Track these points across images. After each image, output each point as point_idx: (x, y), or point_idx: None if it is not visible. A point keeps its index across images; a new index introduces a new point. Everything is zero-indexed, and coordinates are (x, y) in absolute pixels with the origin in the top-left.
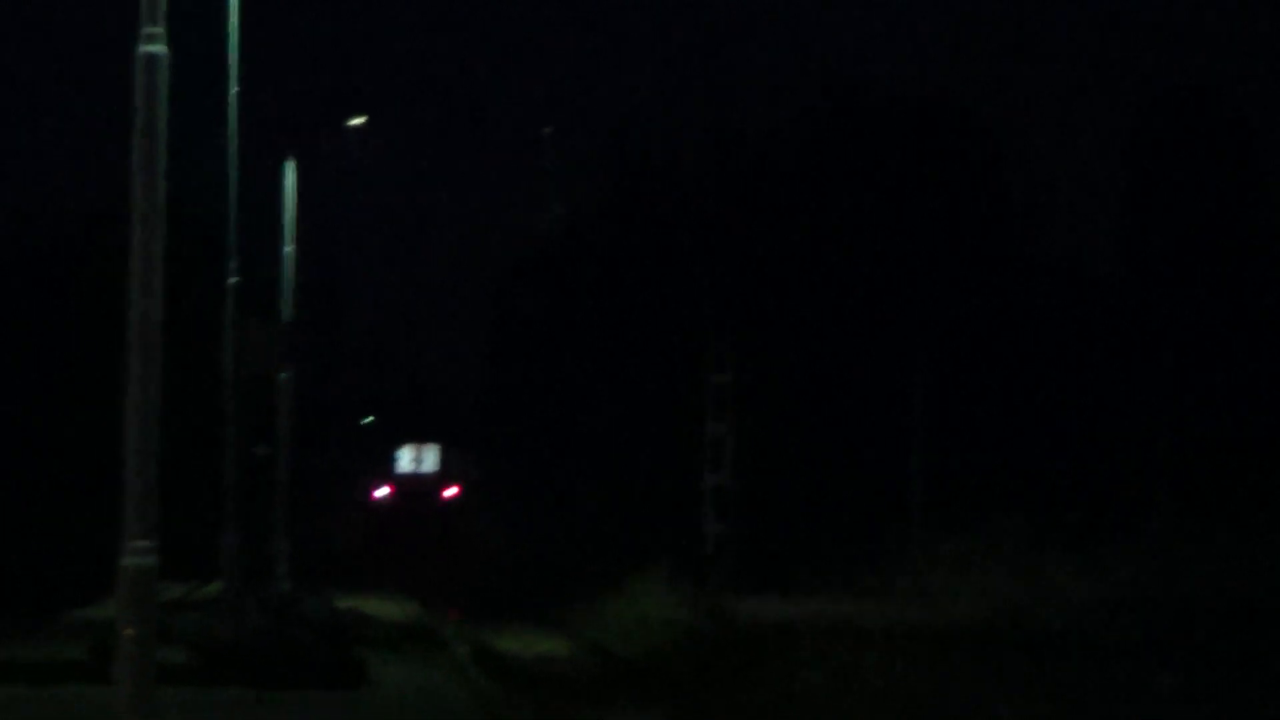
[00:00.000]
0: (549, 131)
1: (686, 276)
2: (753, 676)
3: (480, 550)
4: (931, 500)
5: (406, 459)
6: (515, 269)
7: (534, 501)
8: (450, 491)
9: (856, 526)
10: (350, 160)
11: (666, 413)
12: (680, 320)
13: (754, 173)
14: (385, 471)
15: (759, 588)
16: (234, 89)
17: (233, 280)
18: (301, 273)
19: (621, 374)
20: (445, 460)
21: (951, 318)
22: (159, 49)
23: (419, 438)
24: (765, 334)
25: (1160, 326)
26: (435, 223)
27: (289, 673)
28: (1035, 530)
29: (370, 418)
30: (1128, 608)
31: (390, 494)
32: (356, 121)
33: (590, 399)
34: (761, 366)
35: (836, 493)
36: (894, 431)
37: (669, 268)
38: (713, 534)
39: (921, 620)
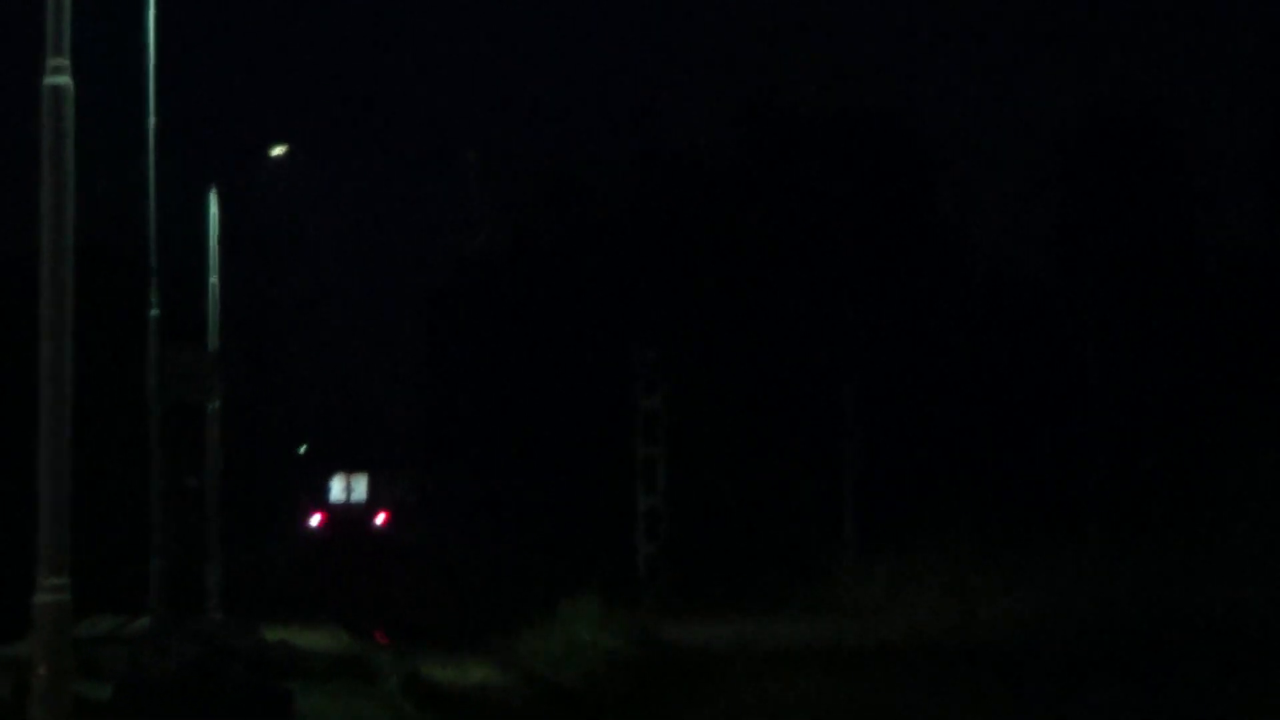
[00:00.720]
0: (473, 155)
1: (617, 299)
2: (685, 700)
3: (412, 575)
4: (865, 519)
5: (338, 488)
6: (446, 290)
7: (468, 524)
8: (380, 518)
9: (791, 547)
10: (276, 188)
11: (598, 435)
12: (611, 343)
13: (683, 192)
14: (319, 500)
15: (692, 609)
16: (151, 119)
17: (154, 313)
18: (229, 302)
19: (553, 396)
20: (374, 487)
21: (883, 332)
22: (64, 80)
23: (354, 463)
24: (695, 355)
25: (1091, 335)
26: (367, 246)
27: (214, 706)
28: (969, 547)
29: (304, 446)
30: (1059, 621)
31: (322, 522)
32: (279, 151)
33: (523, 420)
34: (693, 388)
35: (770, 513)
36: (827, 450)
37: (600, 289)
38: (645, 555)
39: (854, 639)
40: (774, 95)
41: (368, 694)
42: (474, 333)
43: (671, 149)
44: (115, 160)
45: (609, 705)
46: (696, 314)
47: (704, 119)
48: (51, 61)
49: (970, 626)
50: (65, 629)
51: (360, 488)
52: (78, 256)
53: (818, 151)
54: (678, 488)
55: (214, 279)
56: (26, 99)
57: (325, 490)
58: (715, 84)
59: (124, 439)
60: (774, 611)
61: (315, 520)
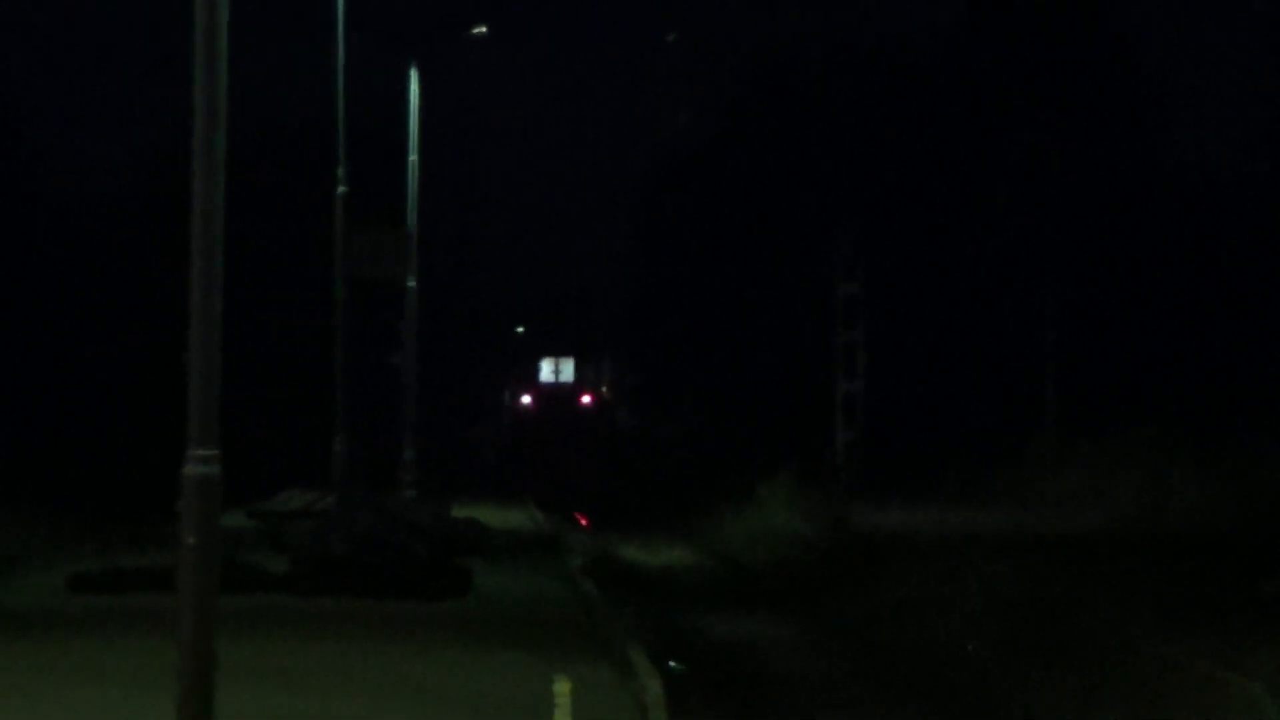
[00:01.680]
0: (673, 38)
1: (817, 186)
2: (873, 584)
3: (614, 454)
4: (1065, 408)
5: (547, 370)
6: (655, 177)
7: (669, 409)
8: (586, 399)
9: (988, 435)
10: (477, 67)
11: (799, 320)
12: (812, 228)
13: (884, 80)
14: (529, 380)
15: (888, 495)
16: None
17: (341, 189)
18: (431, 182)
19: (755, 282)
20: (581, 369)
21: (1084, 221)
22: None
23: (561, 347)
24: (895, 241)
25: None
26: (573, 131)
27: (391, 582)
28: (1168, 436)
29: (521, 328)
30: (1256, 511)
31: (533, 401)
32: (479, 31)
33: (725, 306)
34: (892, 273)
35: (968, 401)
36: (1027, 338)
37: (801, 176)
38: (842, 441)
39: (1049, 527)
40: None
41: (552, 572)
42: (681, 219)
43: (874, 32)
44: (313, 39)
45: (794, 586)
46: (897, 200)
47: (911, 4)
48: None
49: (1165, 517)
50: (214, 501)
51: (568, 370)
52: (267, 133)
53: (1025, 42)
54: (876, 374)
55: (413, 157)
56: None
57: (535, 371)
58: None
59: (323, 319)
60: (969, 499)
61: (526, 399)
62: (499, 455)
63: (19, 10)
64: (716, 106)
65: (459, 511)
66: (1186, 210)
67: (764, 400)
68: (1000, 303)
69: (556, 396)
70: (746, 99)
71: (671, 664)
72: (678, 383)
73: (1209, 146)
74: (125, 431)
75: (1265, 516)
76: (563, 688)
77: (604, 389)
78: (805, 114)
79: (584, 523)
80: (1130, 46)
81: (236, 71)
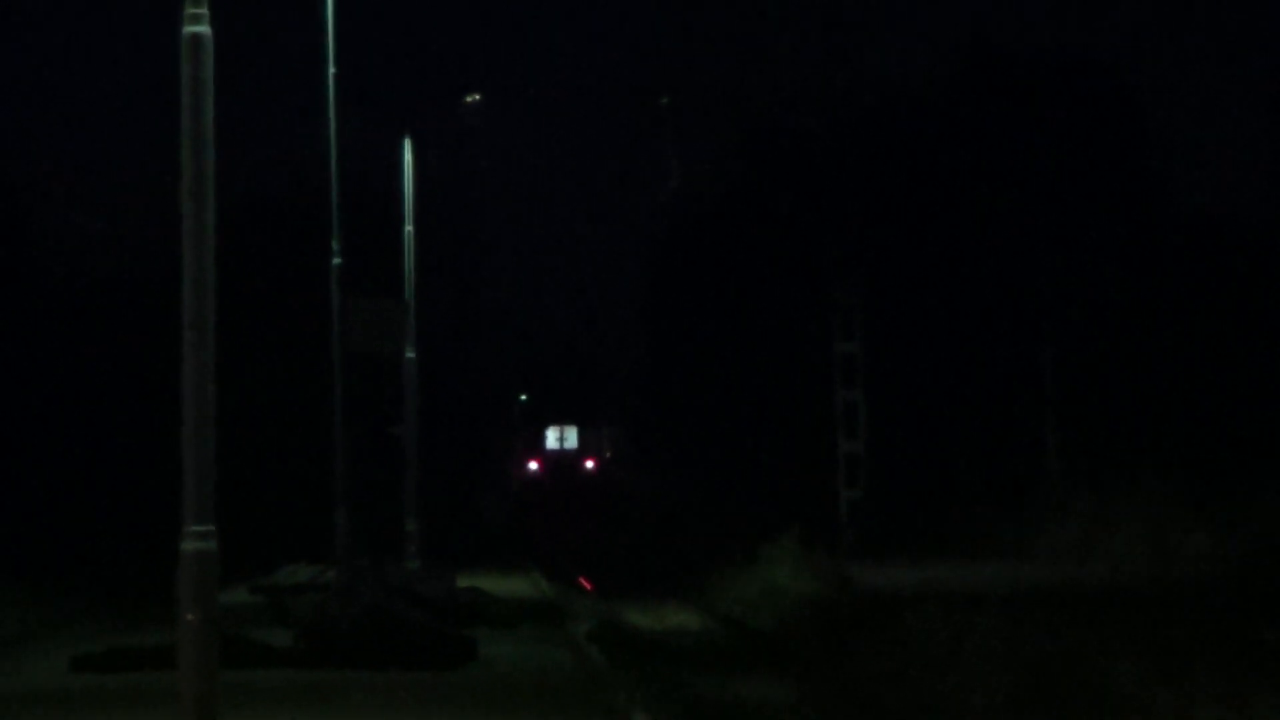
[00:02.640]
0: (665, 101)
1: (815, 244)
2: (880, 645)
3: (619, 517)
4: (1066, 459)
5: (552, 437)
6: (654, 241)
7: (673, 471)
8: (590, 464)
9: (990, 489)
10: (469, 135)
11: (799, 380)
12: (809, 288)
13: (882, 133)
14: (535, 447)
15: (892, 554)
16: (331, 69)
17: (336, 261)
18: (430, 252)
19: (757, 344)
20: (584, 436)
21: (1085, 277)
22: (203, 29)
23: (565, 414)
24: (894, 300)
25: None
26: (563, 196)
27: (396, 653)
28: (1169, 491)
29: (524, 397)
30: (1258, 563)
31: (539, 467)
32: (472, 99)
33: (727, 369)
34: (891, 332)
35: (969, 456)
36: (1026, 391)
37: (799, 234)
38: (846, 500)
39: (1053, 579)
40: (979, 35)
41: (557, 640)
42: (682, 281)
43: (875, 90)
44: (308, 110)
45: (801, 649)
46: (895, 259)
47: (907, 58)
48: (190, 10)
49: (1168, 566)
50: (211, 575)
51: (572, 437)
52: (262, 211)
53: (1025, 95)
54: (877, 431)
55: (409, 228)
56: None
57: (541, 438)
58: (922, 22)
59: (321, 391)
60: (973, 554)
61: (533, 465)
62: (507, 521)
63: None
64: (713, 167)
65: (463, 581)
66: (1187, 257)
67: (767, 460)
68: (999, 355)
69: (562, 463)
70: (742, 158)
71: None
72: (681, 445)
73: (1210, 193)
74: (125, 509)
75: (1269, 564)
76: None
77: (607, 453)
78: (801, 171)
79: (588, 586)
80: (1129, 94)
81: (229, 143)
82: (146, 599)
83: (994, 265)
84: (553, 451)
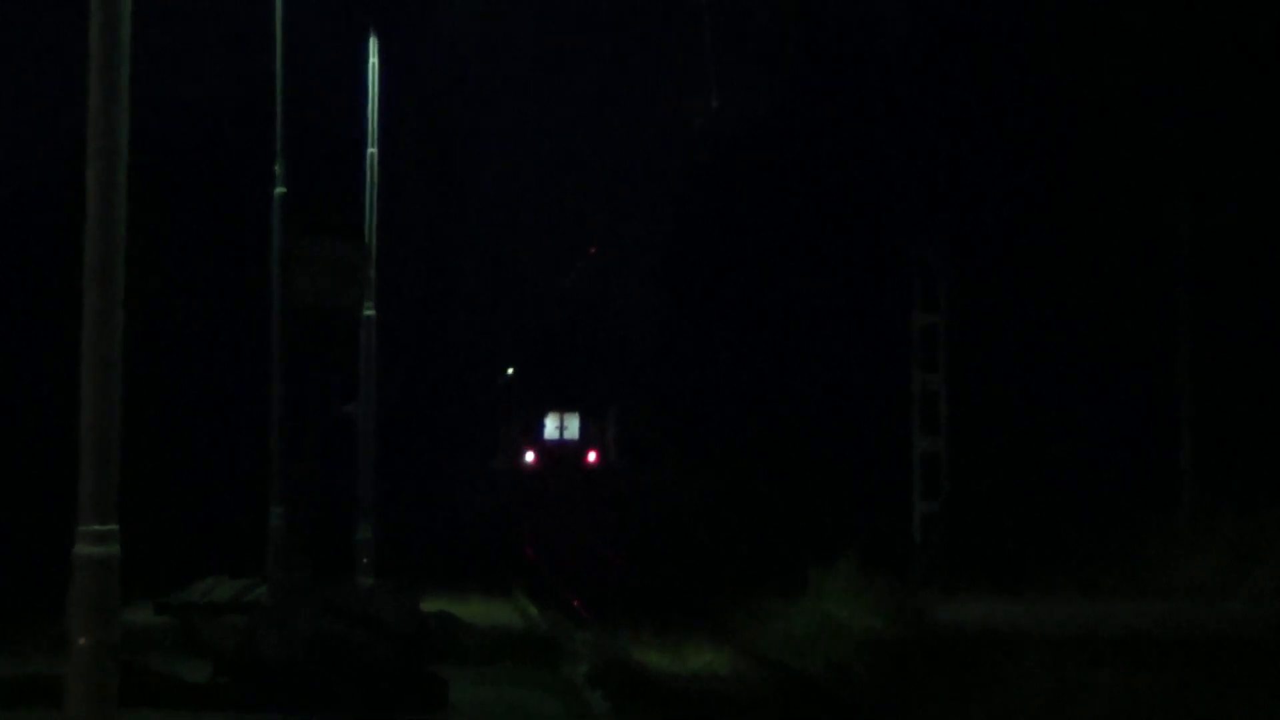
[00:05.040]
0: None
1: (890, 190)
2: (964, 701)
3: (626, 522)
4: (1202, 479)
5: (551, 425)
6: (687, 176)
7: (697, 470)
8: (593, 457)
9: (1104, 507)
10: (451, 35)
11: (863, 360)
12: (882, 245)
13: (991, 48)
14: (531, 437)
15: (978, 582)
16: None
17: (278, 190)
18: (396, 185)
19: (808, 312)
20: (587, 425)
21: (1230, 236)
22: None
23: (566, 399)
24: (989, 260)
25: None
26: (568, 120)
27: (342, 695)
28: None
29: (510, 370)
30: None
31: (535, 460)
32: None
33: (770, 344)
34: (984, 301)
35: (1079, 464)
36: (1156, 390)
37: (869, 177)
38: (921, 513)
39: (1182, 621)
40: None
41: (548, 683)
42: (717, 230)
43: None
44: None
45: (860, 703)
46: (995, 208)
47: None
48: None
49: None
50: (111, 589)
51: (573, 426)
52: (185, 127)
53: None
54: (964, 429)
55: (372, 149)
56: None
57: (538, 428)
58: None
59: (258, 356)
60: (1079, 588)
61: (528, 457)
62: (490, 525)
63: None
64: (761, 86)
65: (431, 603)
66: None
67: (820, 460)
68: (1123, 339)
69: (562, 456)
70: (798, 74)
71: None
72: (709, 438)
73: None
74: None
75: None
76: None
77: (611, 446)
78: (875, 91)
79: (578, 605)
80: None
81: (147, 44)
82: (24, 617)
83: (1125, 218)
84: (551, 442)
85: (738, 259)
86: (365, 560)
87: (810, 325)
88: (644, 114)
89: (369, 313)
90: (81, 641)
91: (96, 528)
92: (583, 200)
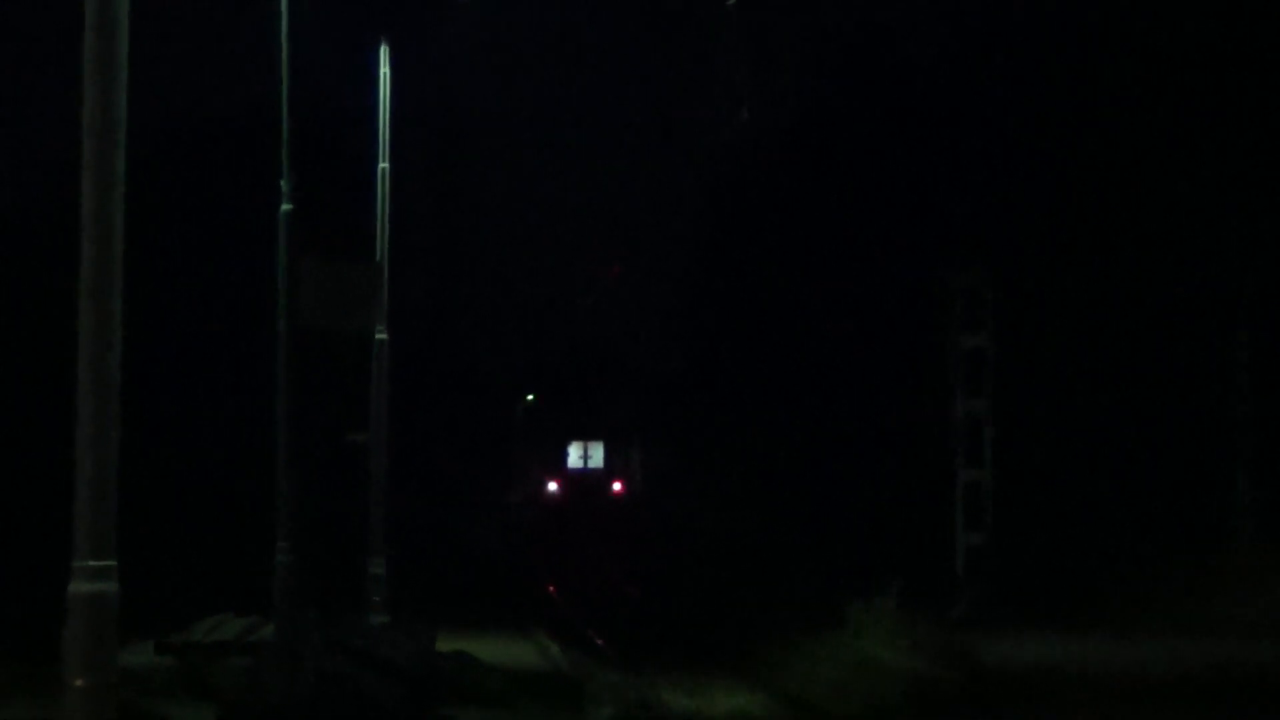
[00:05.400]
0: (733, 2)
1: (928, 205)
2: None
3: (652, 553)
4: (1261, 514)
5: (575, 455)
6: (711, 189)
7: (723, 500)
8: (618, 487)
9: (1156, 542)
10: (465, 46)
11: (903, 383)
12: (920, 262)
13: (1037, 51)
14: (554, 466)
15: (1025, 620)
16: None
17: (285, 207)
18: (404, 199)
19: (844, 334)
20: (611, 454)
21: None
22: None
23: (588, 427)
24: (1035, 279)
25: None
26: (587, 133)
27: None
28: None
29: (531, 397)
30: None
31: (560, 489)
32: None
33: (801, 367)
34: (1031, 322)
35: (1132, 496)
36: (1213, 417)
37: (905, 191)
38: (965, 547)
39: (1237, 667)
40: None
41: None
42: (747, 251)
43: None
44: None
45: None
46: (1042, 224)
47: None
48: None
49: None
50: (108, 628)
51: (597, 455)
52: (189, 142)
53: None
54: (1010, 457)
55: (384, 164)
56: None
57: (561, 456)
58: None
59: (263, 384)
60: (1135, 626)
61: (551, 487)
62: (509, 559)
63: None
64: (795, 95)
65: (446, 642)
66: None
67: (857, 490)
68: (1179, 363)
69: (585, 485)
70: (830, 83)
71: None
72: (739, 466)
73: None
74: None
75: None
76: None
77: (637, 475)
78: (916, 100)
79: (602, 644)
80: None
81: (148, 56)
82: (15, 657)
83: (1185, 234)
84: (575, 472)
85: (766, 278)
86: (377, 597)
87: (844, 347)
88: (666, 127)
89: (381, 336)
90: (77, 683)
91: (93, 563)
92: (602, 218)
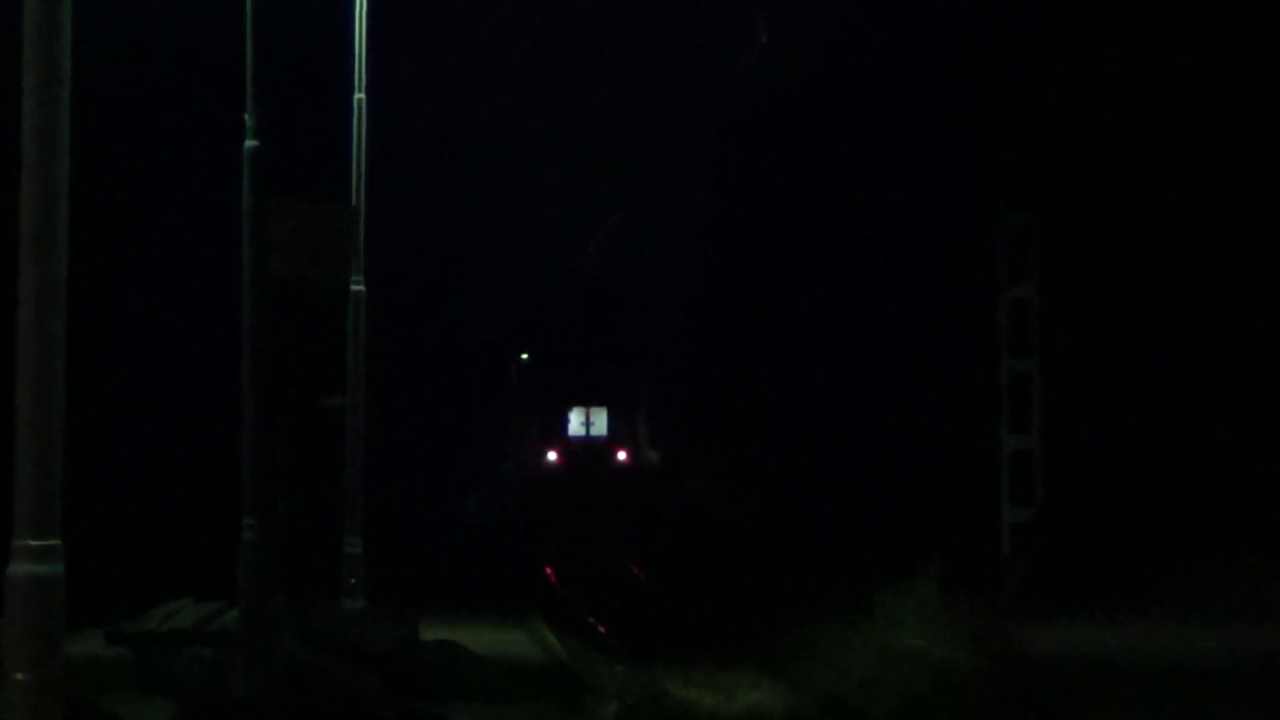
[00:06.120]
0: None
1: (970, 144)
2: None
3: (659, 528)
4: None
5: (576, 421)
6: (728, 133)
7: (738, 471)
8: (622, 456)
9: (1220, 521)
10: None
11: (940, 342)
12: (961, 207)
13: None
14: (554, 433)
15: (1076, 605)
16: None
17: (250, 144)
18: (382, 136)
19: (875, 288)
20: (614, 422)
21: None
22: None
23: (590, 392)
24: (1088, 224)
25: None
26: (588, 65)
27: None
28: None
29: (525, 355)
30: None
31: (559, 459)
32: None
33: (826, 323)
34: (1083, 272)
35: (1194, 468)
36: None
37: (945, 129)
38: (1011, 523)
39: None
40: None
41: None
42: (765, 197)
43: None
44: None
45: None
46: (1095, 165)
47: None
48: None
49: None
50: (53, 616)
51: (601, 421)
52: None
53: None
54: (1060, 423)
55: (360, 95)
56: None
57: (561, 423)
58: None
59: (228, 342)
60: (1199, 612)
61: (550, 456)
62: (502, 535)
63: None
64: (818, 26)
65: (431, 630)
66: None
67: (888, 460)
68: (1251, 321)
69: (588, 454)
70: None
71: None
72: (757, 434)
73: None
74: None
75: None
76: None
77: (643, 443)
78: (953, 29)
79: (605, 632)
80: None
81: None
82: None
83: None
84: (575, 439)
85: (786, 229)
86: (354, 580)
87: (873, 302)
88: (673, 66)
89: (357, 287)
90: (18, 677)
91: (34, 543)
92: (604, 165)
